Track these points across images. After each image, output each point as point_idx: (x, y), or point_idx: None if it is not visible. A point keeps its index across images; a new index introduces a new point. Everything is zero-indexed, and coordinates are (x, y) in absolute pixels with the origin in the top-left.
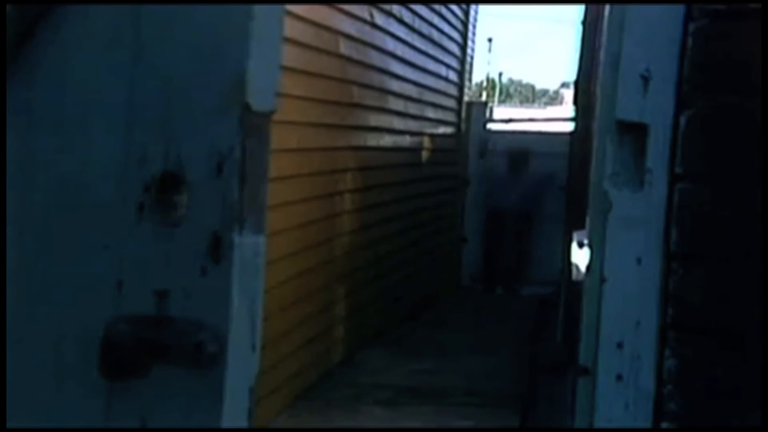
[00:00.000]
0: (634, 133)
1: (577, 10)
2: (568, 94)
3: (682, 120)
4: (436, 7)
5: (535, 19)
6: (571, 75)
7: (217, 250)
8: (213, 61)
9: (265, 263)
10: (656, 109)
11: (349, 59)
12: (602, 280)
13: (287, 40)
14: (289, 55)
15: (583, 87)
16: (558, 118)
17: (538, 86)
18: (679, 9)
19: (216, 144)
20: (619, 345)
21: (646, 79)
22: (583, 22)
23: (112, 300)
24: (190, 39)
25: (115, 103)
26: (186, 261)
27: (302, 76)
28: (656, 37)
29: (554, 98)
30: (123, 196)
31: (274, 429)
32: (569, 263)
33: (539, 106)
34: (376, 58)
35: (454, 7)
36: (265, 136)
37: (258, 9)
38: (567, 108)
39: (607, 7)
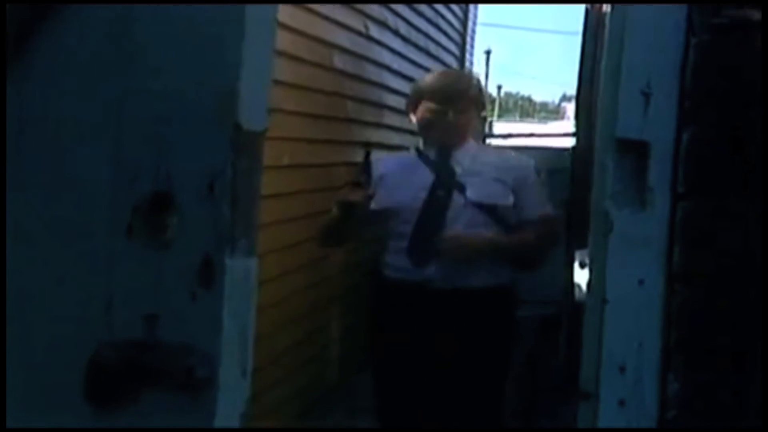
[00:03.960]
0: (635, 151)
1: (578, 20)
2: (570, 108)
3: (685, 137)
4: (433, 19)
5: (535, 31)
6: (572, 87)
7: (208, 272)
8: (203, 81)
9: (256, 286)
10: (658, 126)
11: (343, 73)
12: (604, 301)
13: (279, 53)
14: (281, 69)
15: (585, 100)
16: (559, 133)
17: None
18: (680, 23)
19: (207, 164)
20: (622, 368)
21: (647, 96)
22: (584, 33)
23: (100, 324)
24: (179, 59)
25: (104, 124)
26: (176, 284)
27: (294, 90)
28: (657, 52)
29: (555, 112)
30: (112, 217)
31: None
32: (572, 283)
33: (540, 121)
34: (372, 72)
35: (451, 18)
36: (257, 155)
37: (249, 27)
38: (569, 123)
39: (607, 22)
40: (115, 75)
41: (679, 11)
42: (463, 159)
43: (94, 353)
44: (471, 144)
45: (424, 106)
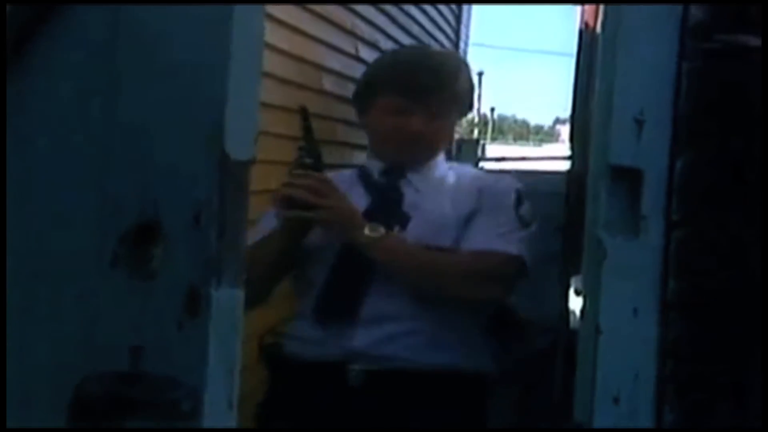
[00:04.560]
0: (628, 178)
1: (572, 41)
2: (565, 131)
3: (678, 164)
4: (424, 39)
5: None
6: (566, 110)
7: (194, 303)
8: (189, 108)
9: (243, 316)
10: (651, 153)
11: (333, 95)
12: (597, 331)
13: (268, 75)
14: (270, 91)
15: (579, 123)
16: (553, 156)
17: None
18: (673, 48)
19: (193, 194)
20: (616, 399)
21: (639, 123)
22: (578, 54)
23: (83, 356)
24: (165, 86)
25: (88, 152)
26: (161, 315)
27: (283, 113)
28: (649, 78)
29: (550, 135)
30: (96, 247)
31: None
32: (567, 310)
33: (534, 144)
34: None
35: (443, 39)
36: (244, 184)
37: (236, 52)
38: (563, 146)
39: (600, 46)
40: (99, 104)
41: (671, 37)
42: (421, 181)
43: (78, 385)
44: (438, 161)
45: (380, 106)
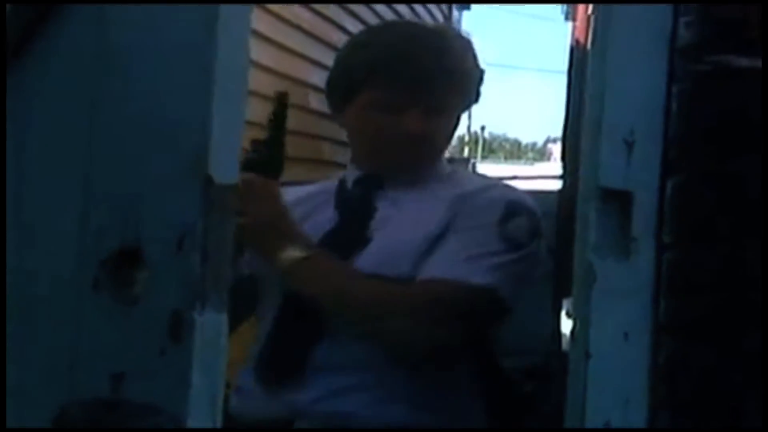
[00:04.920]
0: (618, 200)
1: (564, 59)
2: (556, 150)
3: (669, 186)
4: None
5: (521, 69)
6: (558, 129)
7: (177, 329)
8: (173, 131)
9: (227, 342)
10: (641, 175)
11: (320, 113)
12: (587, 355)
13: (253, 93)
14: (255, 109)
15: (571, 142)
16: (544, 175)
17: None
18: (662, 70)
19: (177, 218)
20: (607, 425)
21: (629, 144)
22: (569, 72)
23: (65, 381)
24: (148, 109)
25: (71, 173)
26: (144, 341)
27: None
28: (639, 99)
29: (542, 153)
30: (78, 271)
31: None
32: (559, 333)
33: (525, 163)
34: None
35: None
36: (228, 209)
37: (220, 74)
38: (555, 165)
39: (589, 66)
40: (82, 127)
41: (660, 58)
42: (401, 194)
43: (59, 411)
44: (436, 167)
45: (363, 101)
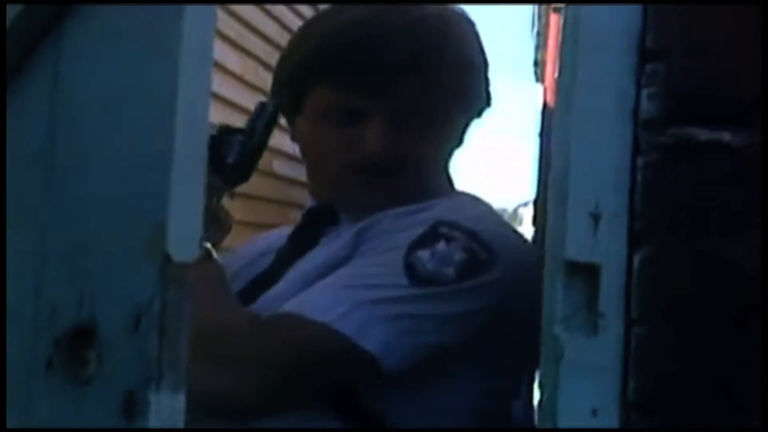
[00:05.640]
0: (585, 273)
1: (535, 123)
2: (528, 213)
3: (636, 260)
4: None
5: (492, 132)
6: (530, 194)
7: (132, 409)
8: (130, 207)
9: (184, 423)
10: (608, 248)
11: (285, 179)
12: None
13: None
14: None
15: (542, 207)
16: None
17: (495, 206)
18: (627, 141)
19: (133, 297)
20: None
21: (596, 217)
22: (540, 135)
23: None
24: (104, 184)
25: (24, 250)
26: (97, 421)
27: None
28: (604, 172)
29: (513, 218)
30: (30, 351)
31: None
32: (531, 404)
33: None
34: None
35: None
36: (187, 286)
37: (178, 152)
38: (527, 229)
39: (553, 136)
40: (37, 203)
41: (625, 130)
42: (363, 229)
43: None
44: (430, 204)
45: (312, 107)
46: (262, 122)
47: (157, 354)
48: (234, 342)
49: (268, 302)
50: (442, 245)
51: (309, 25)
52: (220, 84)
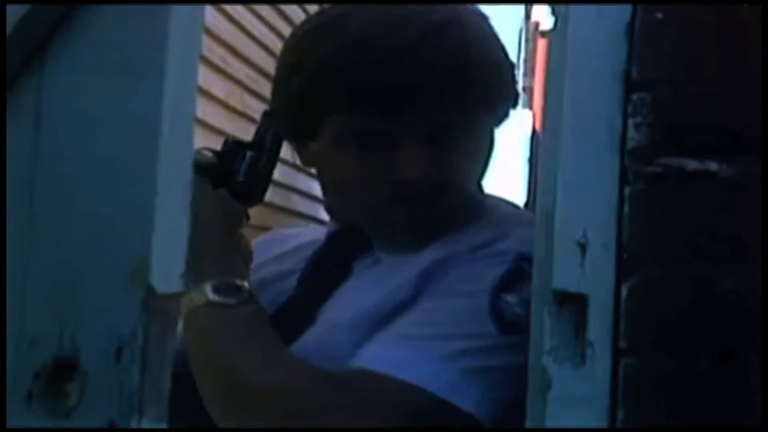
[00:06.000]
0: (573, 303)
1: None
2: None
3: (624, 290)
4: None
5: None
6: None
7: None
8: (113, 238)
9: None
10: (596, 278)
11: (270, 205)
12: None
13: None
14: None
15: None
16: None
17: None
18: (614, 171)
19: (115, 328)
20: None
21: (583, 246)
22: (530, 161)
23: None
24: (86, 215)
25: (9, 283)
26: None
27: None
28: (591, 201)
29: None
30: (11, 383)
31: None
32: None
33: None
34: (300, 204)
35: None
36: (170, 318)
37: (163, 183)
38: None
39: (539, 164)
40: (19, 232)
41: (611, 160)
42: (396, 259)
43: None
44: (459, 218)
45: (331, 132)
46: (271, 134)
47: (139, 387)
48: (320, 413)
49: (315, 345)
50: (521, 289)
51: (312, 36)
52: (204, 110)
